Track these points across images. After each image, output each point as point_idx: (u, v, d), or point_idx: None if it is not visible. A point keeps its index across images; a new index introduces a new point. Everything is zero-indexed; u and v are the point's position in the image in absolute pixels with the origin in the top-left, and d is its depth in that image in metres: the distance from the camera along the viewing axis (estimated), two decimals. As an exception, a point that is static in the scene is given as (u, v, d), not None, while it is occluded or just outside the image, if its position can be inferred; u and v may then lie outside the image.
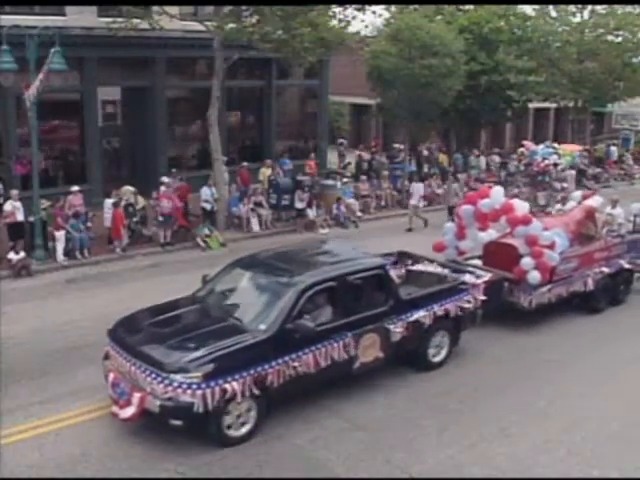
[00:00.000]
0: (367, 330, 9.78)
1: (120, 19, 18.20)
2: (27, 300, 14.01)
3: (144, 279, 15.63)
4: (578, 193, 17.04)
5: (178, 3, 19.78)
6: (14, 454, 8.43)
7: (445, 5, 28.70)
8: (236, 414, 8.67)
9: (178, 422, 8.39)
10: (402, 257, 12.76)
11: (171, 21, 18.90)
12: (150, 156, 21.71)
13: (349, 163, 28.70)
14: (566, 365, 11.42)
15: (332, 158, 28.96)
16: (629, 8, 29.89)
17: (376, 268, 10.39)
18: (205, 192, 19.35)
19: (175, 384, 8.28)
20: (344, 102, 37.26)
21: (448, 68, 24.08)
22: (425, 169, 27.09)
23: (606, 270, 13.92)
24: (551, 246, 12.73)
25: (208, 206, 19.33)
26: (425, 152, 28.23)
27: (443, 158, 28.20)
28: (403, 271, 12.38)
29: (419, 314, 10.48)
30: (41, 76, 15.48)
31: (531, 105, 32.48)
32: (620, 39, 30.08)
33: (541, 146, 28.37)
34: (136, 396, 8.46)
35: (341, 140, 33.16)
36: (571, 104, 32.22)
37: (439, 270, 12.13)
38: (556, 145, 28.77)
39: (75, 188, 17.78)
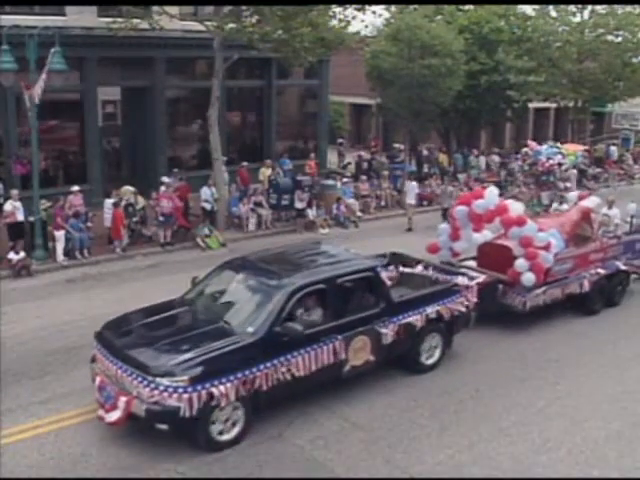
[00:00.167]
0: (357, 333, 9.65)
1: (120, 19, 18.21)
2: (27, 300, 14.01)
3: (144, 279, 15.64)
4: (574, 194, 16.92)
5: (178, 3, 19.78)
6: (14, 454, 8.43)
7: (445, 5, 28.70)
8: (223, 418, 8.55)
9: (164, 426, 8.26)
10: (395, 258, 12.61)
11: (171, 21, 18.90)
12: (150, 156, 21.71)
13: (349, 163, 28.75)
14: (566, 365, 11.42)
15: (332, 158, 28.99)
16: (629, 8, 29.89)
17: (367, 270, 10.24)
18: (205, 192, 19.35)
19: (161, 388, 8.16)
20: (344, 102, 37.26)
21: (448, 68, 24.13)
22: (425, 169, 27.11)
23: (602, 271, 13.76)
24: (546, 247, 12.60)
25: (208, 206, 19.34)
26: (425, 152, 28.24)
27: (443, 158, 28.21)
28: (395, 273, 12.21)
29: (411, 316, 10.35)
30: (44, 77, 15.49)
31: (531, 105, 32.51)
32: (620, 39, 30.07)
33: (545, 146, 28.39)
34: (122, 400, 8.34)
35: (341, 140, 33.23)
36: (571, 104, 32.21)
37: (432, 272, 11.97)
38: (559, 145, 28.80)
39: (75, 188, 17.80)
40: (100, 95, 20.67)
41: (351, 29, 21.16)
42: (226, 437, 8.63)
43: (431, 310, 10.66)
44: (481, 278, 12.03)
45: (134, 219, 18.21)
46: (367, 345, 9.80)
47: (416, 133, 27.98)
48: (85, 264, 16.54)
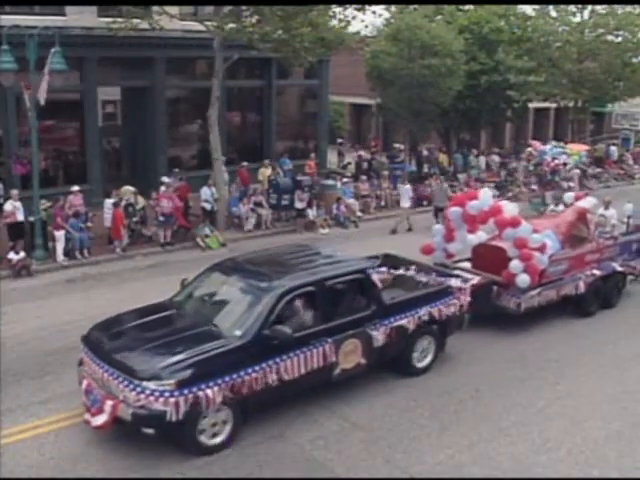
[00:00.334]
0: (348, 336, 9.51)
1: (120, 19, 18.21)
2: (27, 300, 14.02)
3: (144, 279, 15.64)
4: (571, 194, 16.80)
5: (178, 3, 19.78)
6: (14, 454, 8.43)
7: (445, 5, 28.70)
8: (211, 423, 8.43)
9: (150, 431, 8.17)
10: (387, 260, 12.45)
11: (171, 21, 18.91)
12: (150, 156, 21.71)
13: (349, 163, 28.76)
14: (566, 366, 11.41)
15: (332, 158, 28.99)
16: (629, 8, 29.91)
17: (357, 272, 10.07)
18: (205, 192, 19.36)
19: (147, 392, 8.04)
20: (344, 102, 37.27)
21: (448, 68, 24.14)
22: (425, 169, 27.11)
23: (598, 273, 13.59)
24: (541, 248, 12.48)
25: (208, 206, 19.35)
26: (425, 152, 28.25)
27: (443, 158, 28.22)
28: (387, 275, 12.04)
29: (403, 319, 10.23)
30: (47, 77, 15.49)
31: (531, 105, 32.52)
32: (620, 39, 30.11)
33: (549, 146, 28.45)
34: (108, 404, 8.24)
35: (341, 140, 33.25)
36: (571, 104, 32.24)
37: (425, 273, 11.85)
38: (563, 144, 28.89)
39: (75, 188, 17.80)
40: (100, 95, 20.66)
41: (351, 29, 21.20)
42: (214, 441, 8.51)
43: (423, 312, 10.52)
44: (475, 280, 11.92)
45: (134, 219, 18.22)
46: (358, 348, 9.67)
47: (416, 133, 27.99)
48: (85, 264, 16.55)
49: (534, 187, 25.81)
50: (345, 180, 23.39)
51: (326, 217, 20.92)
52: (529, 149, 29.65)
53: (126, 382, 8.21)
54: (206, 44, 18.96)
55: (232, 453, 8.54)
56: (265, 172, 22.28)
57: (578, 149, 29.25)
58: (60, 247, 16.48)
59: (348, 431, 9.17)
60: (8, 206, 16.50)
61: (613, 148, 33.12)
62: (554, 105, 35.37)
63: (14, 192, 16.82)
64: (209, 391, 8.23)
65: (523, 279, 12.25)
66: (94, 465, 8.30)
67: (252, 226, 19.91)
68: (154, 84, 21.25)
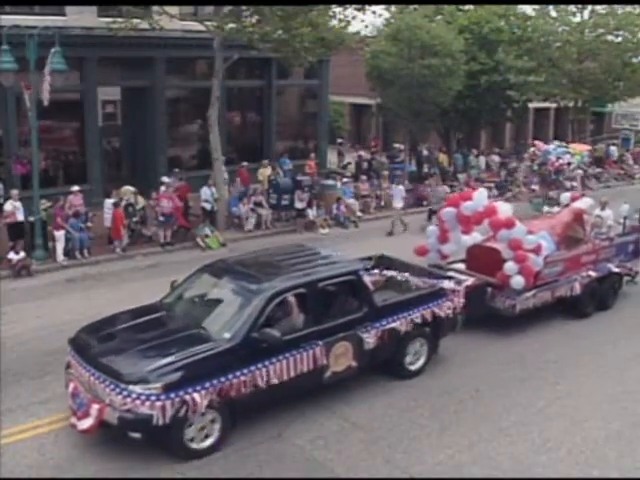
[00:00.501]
0: (339, 338, 9.41)
1: (120, 19, 18.21)
2: (27, 300, 14.02)
3: (144, 279, 15.62)
4: (567, 195, 16.70)
5: (178, 3, 19.79)
6: (14, 454, 8.43)
7: (445, 5, 28.71)
8: (199, 426, 8.35)
9: (137, 435, 8.10)
10: (381, 261, 12.35)
11: (171, 21, 18.91)
12: (150, 156, 21.72)
13: (349, 163, 28.76)
14: (566, 366, 11.42)
15: (332, 158, 28.98)
16: (629, 8, 29.91)
17: (349, 274, 9.95)
18: (205, 192, 19.36)
19: (134, 395, 7.96)
20: (344, 102, 37.27)
21: (448, 68, 24.13)
22: (425, 169, 27.11)
23: (594, 274, 13.49)
24: (536, 250, 12.38)
25: (208, 206, 19.35)
26: (425, 152, 28.25)
27: (443, 158, 28.21)
28: (379, 276, 11.91)
29: (395, 321, 10.12)
30: (48, 78, 15.48)
31: (531, 105, 32.52)
32: (620, 39, 30.11)
33: (552, 145, 28.44)
34: (94, 407, 8.17)
35: (341, 140, 33.24)
36: (571, 104, 32.24)
37: (418, 275, 11.71)
38: (566, 144, 28.89)
39: (75, 188, 17.80)
40: (100, 95, 20.67)
41: (351, 29, 21.19)
42: (202, 445, 8.43)
43: (416, 314, 10.42)
44: (469, 281, 11.84)
45: (134, 219, 18.21)
46: (349, 351, 9.57)
47: (416, 133, 27.99)
48: (85, 264, 16.54)
49: (534, 187, 25.83)
50: (345, 180, 23.38)
51: (326, 217, 20.91)
52: (532, 149, 29.64)
53: (112, 386, 8.13)
54: (206, 44, 18.97)
55: (232, 453, 8.53)
56: (265, 172, 22.28)
57: (581, 149, 29.25)
58: (60, 247, 16.48)
59: (348, 431, 9.17)
60: (8, 206, 16.50)
61: (613, 148, 33.12)
62: (554, 105, 35.37)
63: (14, 192, 16.82)
64: (196, 395, 8.13)
65: (518, 281, 12.17)
66: (94, 465, 8.29)
67: (252, 226, 19.92)
68: (154, 84, 21.25)
